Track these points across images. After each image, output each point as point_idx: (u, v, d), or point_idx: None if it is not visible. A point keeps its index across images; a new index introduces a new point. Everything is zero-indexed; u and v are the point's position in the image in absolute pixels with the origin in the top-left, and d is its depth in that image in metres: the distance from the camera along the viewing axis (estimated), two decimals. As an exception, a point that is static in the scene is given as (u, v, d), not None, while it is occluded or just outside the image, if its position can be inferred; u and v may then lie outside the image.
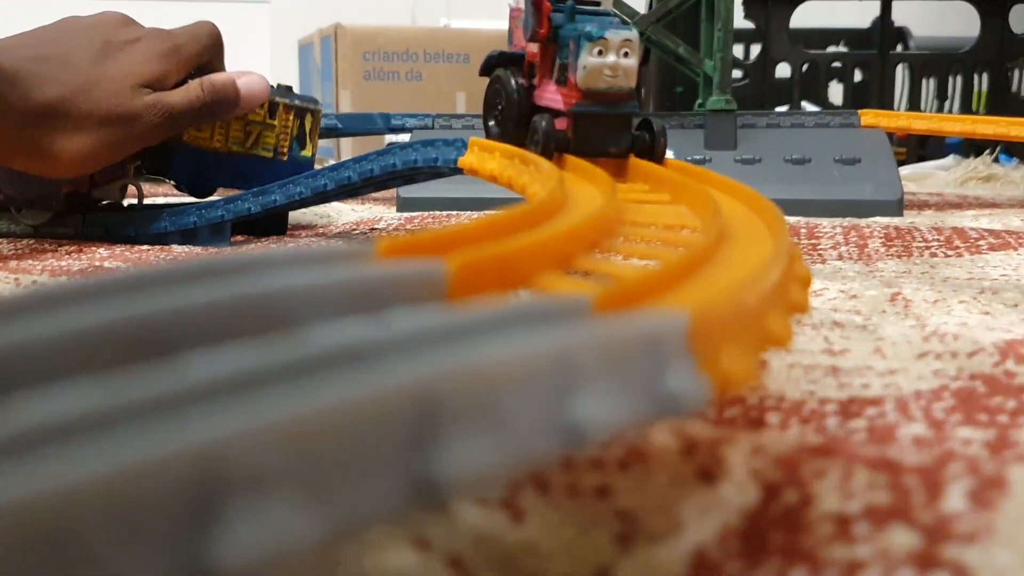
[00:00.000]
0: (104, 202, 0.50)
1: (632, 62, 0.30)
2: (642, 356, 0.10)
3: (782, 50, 0.94)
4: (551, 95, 0.32)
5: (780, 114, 0.65)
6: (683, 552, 0.13)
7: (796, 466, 0.16)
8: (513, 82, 0.34)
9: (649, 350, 0.10)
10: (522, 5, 0.34)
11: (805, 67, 0.95)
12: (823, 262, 0.40)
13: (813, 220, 0.54)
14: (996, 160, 0.86)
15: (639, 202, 0.24)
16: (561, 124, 0.32)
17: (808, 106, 0.98)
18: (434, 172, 0.42)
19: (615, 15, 0.32)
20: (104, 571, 0.07)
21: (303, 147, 0.50)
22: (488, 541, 0.14)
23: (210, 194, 0.49)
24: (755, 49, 0.98)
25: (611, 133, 0.30)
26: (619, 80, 0.29)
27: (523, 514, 0.14)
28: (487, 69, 0.35)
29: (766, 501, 0.15)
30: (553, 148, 0.30)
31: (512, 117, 0.33)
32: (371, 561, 0.13)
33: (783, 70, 0.96)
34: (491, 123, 0.35)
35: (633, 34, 0.30)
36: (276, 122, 0.49)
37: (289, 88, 0.50)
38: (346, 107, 1.10)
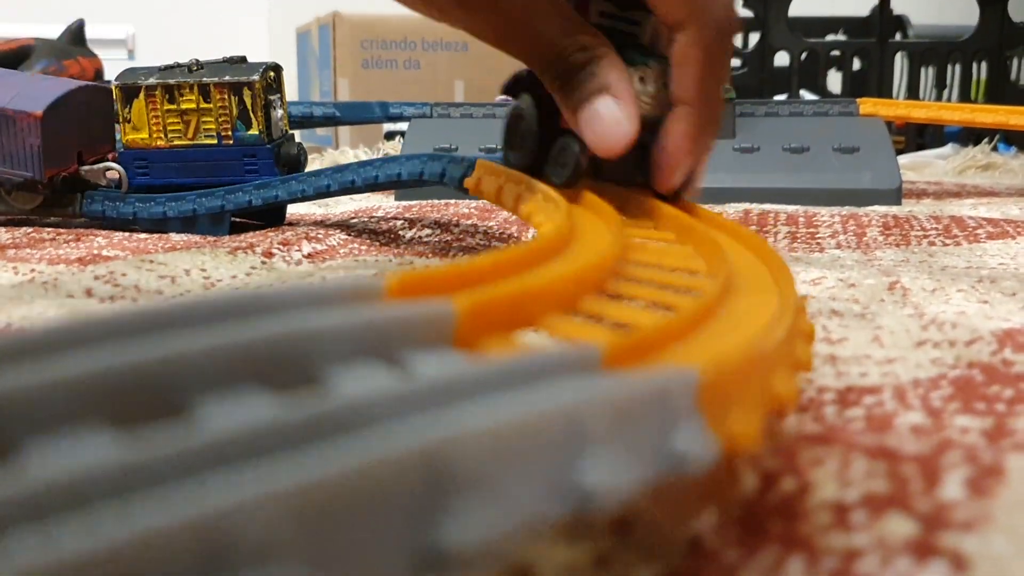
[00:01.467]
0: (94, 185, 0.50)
1: (664, 92, 0.28)
2: (652, 415, 0.10)
3: (781, 38, 0.94)
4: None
5: (779, 103, 0.65)
6: (680, 540, 0.13)
7: (794, 454, 0.16)
8: (533, 106, 0.31)
9: (659, 409, 0.11)
10: None
11: (804, 56, 0.95)
12: (821, 251, 0.39)
13: (811, 209, 0.54)
14: (995, 149, 0.86)
15: (645, 239, 0.24)
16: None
17: (807, 95, 0.98)
18: (437, 185, 0.42)
19: (647, 46, 0.29)
20: None
21: (248, 126, 0.47)
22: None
23: (167, 190, 0.48)
24: (754, 37, 0.98)
25: (642, 161, 0.29)
26: (654, 108, 0.28)
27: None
28: (511, 90, 0.32)
29: (763, 489, 0.15)
30: (582, 173, 0.28)
31: (533, 144, 0.31)
32: None
33: (782, 59, 0.95)
34: (512, 154, 0.32)
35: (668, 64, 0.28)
36: (212, 105, 0.47)
37: (242, 59, 0.47)
38: (344, 95, 1.09)
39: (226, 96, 0.47)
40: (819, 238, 0.43)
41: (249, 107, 0.47)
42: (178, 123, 0.47)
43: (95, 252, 0.40)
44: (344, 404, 0.09)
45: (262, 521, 0.07)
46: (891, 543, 0.13)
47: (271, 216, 0.50)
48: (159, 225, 0.47)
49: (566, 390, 0.10)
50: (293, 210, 0.56)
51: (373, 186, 0.43)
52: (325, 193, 0.44)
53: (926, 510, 0.14)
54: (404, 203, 0.60)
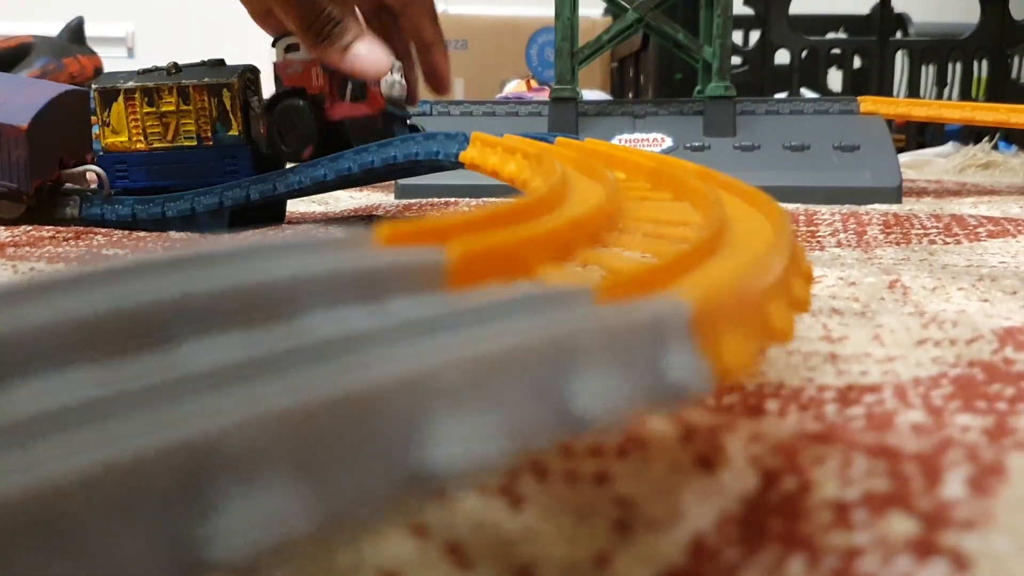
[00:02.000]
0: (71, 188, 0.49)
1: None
2: (643, 341, 0.10)
3: (781, 36, 0.94)
4: (350, 109, 0.45)
5: (779, 101, 0.65)
6: (682, 539, 0.13)
7: (795, 453, 0.16)
8: (307, 107, 0.46)
9: (651, 335, 0.10)
10: (282, 58, 0.47)
11: (804, 54, 0.95)
12: (822, 249, 0.39)
13: (812, 207, 0.54)
14: (995, 147, 0.86)
15: (641, 198, 0.24)
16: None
17: (807, 93, 0.97)
18: (434, 165, 0.42)
19: None
20: (98, 560, 0.07)
21: (228, 127, 0.47)
22: (486, 527, 0.14)
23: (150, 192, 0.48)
24: (754, 35, 0.98)
25: (404, 128, 0.46)
26: (402, 91, 0.45)
27: (522, 501, 0.14)
28: (275, 102, 0.46)
29: (765, 488, 0.15)
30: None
31: (310, 133, 0.46)
32: (369, 549, 0.13)
33: (782, 57, 0.95)
34: (287, 146, 0.46)
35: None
36: (191, 107, 0.47)
37: (220, 62, 0.48)
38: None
39: (205, 98, 0.47)
40: (819, 236, 0.43)
41: (228, 108, 0.47)
42: (157, 126, 0.47)
43: (94, 250, 0.40)
44: (331, 334, 0.09)
45: (249, 439, 0.07)
46: (892, 542, 0.13)
47: (271, 216, 0.50)
48: (159, 225, 0.47)
49: (555, 318, 0.10)
50: (293, 208, 0.56)
51: (370, 172, 0.42)
52: (322, 183, 0.44)
53: (927, 509, 0.14)
54: (404, 201, 0.60)
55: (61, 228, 0.48)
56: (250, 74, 0.48)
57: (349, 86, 0.45)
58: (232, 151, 0.47)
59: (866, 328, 0.24)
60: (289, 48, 0.46)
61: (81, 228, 0.48)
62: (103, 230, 0.47)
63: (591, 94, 0.99)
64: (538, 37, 1.17)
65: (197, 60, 0.48)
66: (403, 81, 0.45)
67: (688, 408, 0.18)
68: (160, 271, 0.10)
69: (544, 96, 0.88)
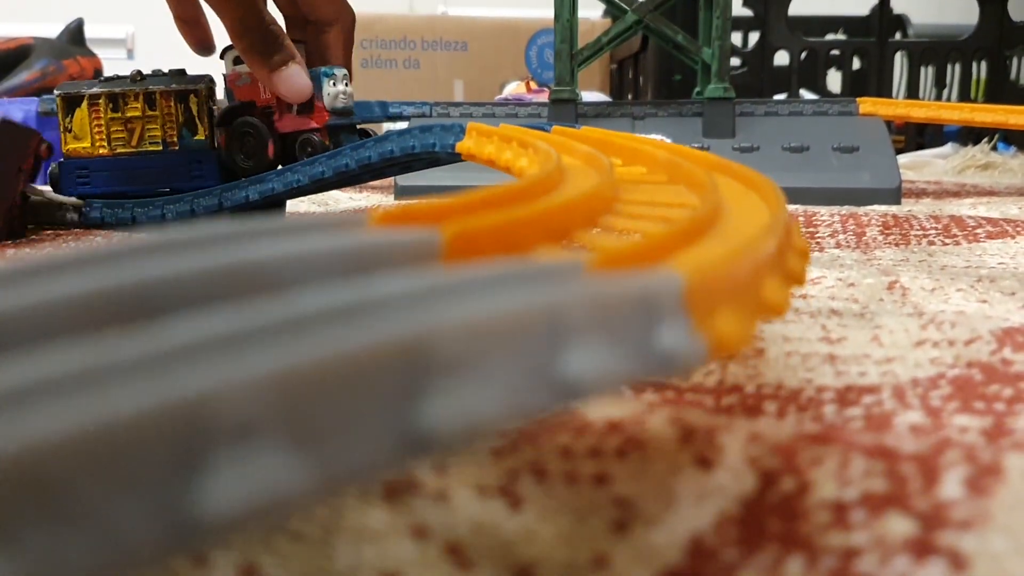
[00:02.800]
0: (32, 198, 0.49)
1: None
2: (636, 313, 0.10)
3: (781, 38, 0.94)
4: (297, 123, 0.47)
5: (778, 102, 0.65)
6: (680, 539, 0.13)
7: (793, 454, 0.16)
8: (260, 122, 0.48)
9: (643, 307, 0.10)
10: (231, 69, 0.48)
11: (803, 55, 0.95)
12: (821, 250, 0.40)
13: (811, 208, 0.54)
14: (994, 148, 0.86)
15: (637, 182, 0.24)
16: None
17: (806, 94, 0.98)
18: (432, 159, 0.42)
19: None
20: (90, 522, 0.07)
21: (194, 132, 0.48)
22: (486, 528, 0.14)
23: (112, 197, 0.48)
24: (753, 37, 0.98)
25: (353, 135, 0.48)
26: (348, 100, 0.47)
27: (521, 501, 0.14)
28: (230, 115, 0.48)
29: (763, 488, 0.15)
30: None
31: (262, 145, 0.48)
32: (369, 549, 0.13)
33: (782, 58, 0.95)
34: (242, 159, 0.48)
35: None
36: (158, 112, 0.47)
37: (181, 72, 0.48)
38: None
39: (172, 103, 0.47)
40: (818, 237, 0.43)
41: (196, 114, 0.47)
42: (122, 131, 0.47)
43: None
44: (326, 303, 0.09)
45: (242, 401, 0.07)
46: (890, 542, 0.13)
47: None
48: (159, 227, 0.47)
49: (546, 288, 0.10)
50: (292, 210, 0.56)
51: (367, 168, 0.43)
52: (320, 181, 0.44)
53: (925, 509, 0.14)
54: (405, 202, 0.60)
55: (61, 231, 0.48)
56: (211, 83, 0.49)
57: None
58: (198, 156, 0.47)
59: (865, 329, 0.24)
60: (237, 60, 0.47)
61: (81, 231, 0.48)
62: (103, 232, 0.48)
63: (590, 95, 0.99)
64: (537, 39, 1.17)
65: (166, 68, 0.49)
66: (348, 91, 0.47)
67: (681, 378, 0.18)
68: (154, 251, 0.10)
69: (543, 98, 0.88)
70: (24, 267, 0.10)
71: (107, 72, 0.95)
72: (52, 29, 1.03)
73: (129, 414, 0.07)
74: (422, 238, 0.12)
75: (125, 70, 0.50)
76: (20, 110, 0.73)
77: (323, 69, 0.47)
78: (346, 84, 0.47)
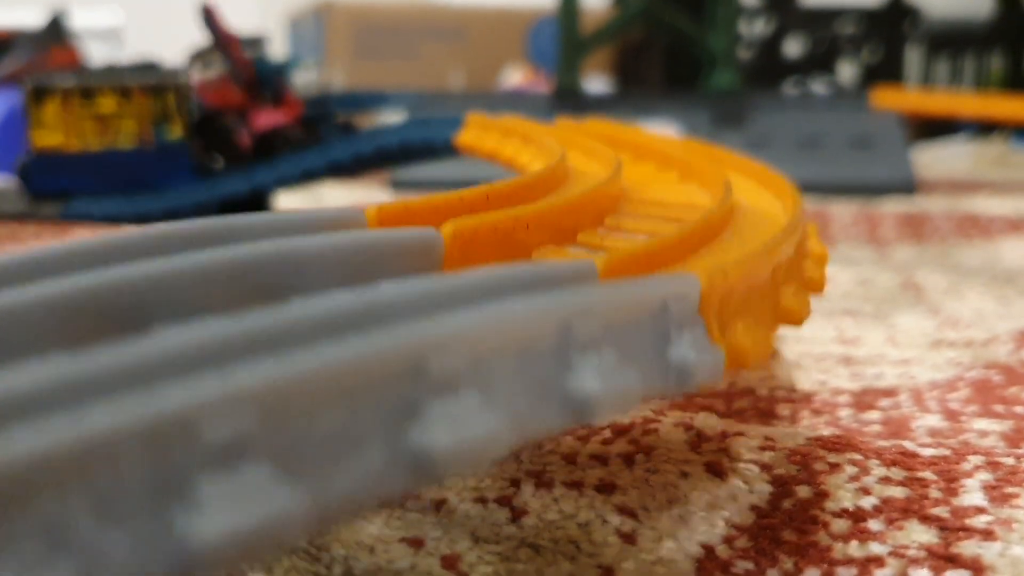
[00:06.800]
0: None
1: None
2: (650, 323, 0.10)
3: (791, 27, 0.93)
4: (271, 118, 0.48)
5: (789, 93, 0.65)
6: (691, 551, 0.13)
7: (808, 460, 0.15)
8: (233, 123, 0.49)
9: (658, 316, 0.10)
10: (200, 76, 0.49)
11: (815, 45, 0.94)
12: (833, 247, 0.39)
13: (824, 202, 0.54)
14: (1009, 142, 0.85)
15: (646, 180, 0.23)
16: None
17: (818, 85, 0.97)
18: (428, 151, 0.41)
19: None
20: (74, 543, 0.06)
21: (171, 128, 0.46)
22: (487, 539, 0.13)
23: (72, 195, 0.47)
24: (764, 26, 0.97)
25: (330, 125, 0.49)
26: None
27: (523, 512, 0.14)
28: (206, 121, 0.48)
29: (777, 497, 0.14)
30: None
31: (240, 150, 0.48)
32: (365, 560, 0.13)
33: (792, 49, 0.95)
34: (218, 156, 0.49)
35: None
36: (133, 107, 0.46)
37: (151, 66, 0.48)
38: (338, 85, 1.09)
39: (149, 98, 0.46)
40: (831, 233, 0.42)
41: (174, 109, 0.46)
42: (95, 126, 0.46)
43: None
44: (322, 312, 0.08)
45: (227, 419, 0.07)
46: (910, 552, 0.13)
47: (258, 211, 0.49)
48: (142, 220, 0.46)
49: (556, 296, 0.09)
50: (284, 205, 0.55)
51: (359, 161, 0.42)
52: (311, 173, 0.43)
53: (945, 517, 0.13)
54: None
55: (46, 224, 0.47)
56: (187, 78, 0.48)
57: (265, 96, 0.47)
58: (174, 152, 0.47)
59: (880, 329, 0.24)
60: (205, 64, 0.47)
61: (66, 224, 0.47)
62: (87, 224, 0.47)
63: (595, 82, 0.98)
64: (539, 27, 1.16)
65: (133, 63, 0.48)
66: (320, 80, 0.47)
67: (698, 392, 0.17)
68: (144, 249, 0.10)
69: (545, 88, 0.87)
70: (5, 264, 0.09)
71: (94, 62, 0.95)
72: (37, 18, 1.03)
73: (104, 430, 0.06)
74: (422, 238, 0.12)
75: (113, 60, 0.50)
76: (3, 101, 0.73)
77: (290, 59, 0.46)
78: (316, 73, 0.49)
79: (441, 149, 0.39)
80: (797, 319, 0.13)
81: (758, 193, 0.20)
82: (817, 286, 0.15)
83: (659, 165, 0.25)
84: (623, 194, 0.19)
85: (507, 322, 0.08)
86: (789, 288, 0.13)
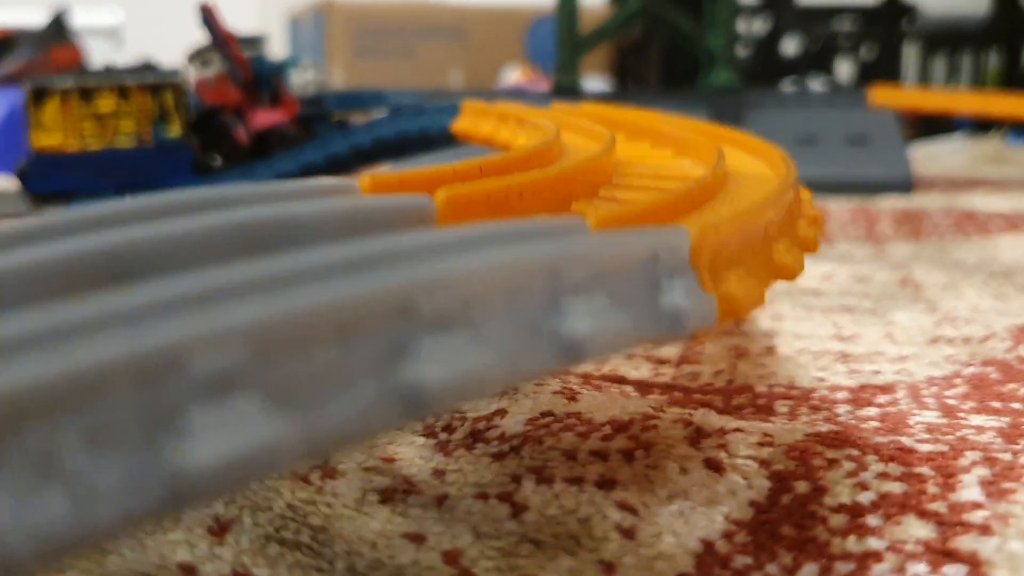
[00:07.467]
0: None
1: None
2: (640, 270, 0.10)
3: (790, 26, 0.93)
4: (268, 117, 0.48)
5: (787, 91, 0.65)
6: (690, 545, 0.13)
7: (806, 456, 0.15)
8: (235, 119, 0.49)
9: (648, 265, 0.10)
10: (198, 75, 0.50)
11: (813, 44, 0.94)
12: (831, 244, 0.39)
13: (821, 200, 0.54)
14: (1006, 139, 0.85)
15: (641, 156, 0.23)
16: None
17: (815, 83, 0.97)
18: (426, 140, 0.41)
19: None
20: (66, 472, 0.06)
21: (170, 127, 0.47)
22: (488, 534, 0.13)
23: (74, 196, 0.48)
24: (762, 24, 0.97)
25: (326, 123, 0.50)
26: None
27: (524, 507, 0.14)
28: (204, 119, 0.49)
29: (776, 492, 0.14)
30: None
31: (238, 148, 0.49)
32: (367, 555, 0.13)
33: (790, 47, 0.95)
34: (212, 155, 0.49)
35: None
36: (132, 107, 0.46)
37: (148, 67, 0.48)
38: (338, 84, 1.09)
39: (147, 97, 0.46)
40: (829, 230, 0.42)
41: (172, 108, 0.46)
42: (94, 126, 0.46)
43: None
44: (315, 257, 0.08)
45: (217, 353, 0.07)
46: (907, 547, 0.13)
47: None
48: None
49: (546, 243, 0.09)
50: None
51: (359, 153, 0.42)
52: (309, 169, 0.43)
53: (943, 512, 0.13)
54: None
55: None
56: (183, 78, 0.48)
57: (263, 95, 0.47)
58: (173, 151, 0.47)
59: (878, 326, 0.24)
60: (204, 63, 0.47)
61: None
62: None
63: (593, 81, 0.98)
64: (538, 26, 1.16)
65: (131, 64, 0.49)
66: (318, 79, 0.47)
67: (698, 389, 0.17)
68: (141, 215, 0.10)
69: (544, 87, 0.87)
70: (6, 232, 0.09)
71: (96, 63, 0.95)
72: (38, 17, 1.03)
73: (93, 363, 0.06)
74: (415, 204, 0.12)
75: (113, 60, 0.50)
76: (3, 101, 0.73)
77: (288, 59, 0.47)
78: (313, 73, 0.49)
79: (439, 138, 0.39)
80: (790, 274, 0.13)
81: (752, 162, 0.20)
82: (811, 245, 0.15)
83: (654, 142, 0.25)
84: (617, 168, 0.19)
85: (497, 265, 0.09)
86: (782, 244, 0.13)
